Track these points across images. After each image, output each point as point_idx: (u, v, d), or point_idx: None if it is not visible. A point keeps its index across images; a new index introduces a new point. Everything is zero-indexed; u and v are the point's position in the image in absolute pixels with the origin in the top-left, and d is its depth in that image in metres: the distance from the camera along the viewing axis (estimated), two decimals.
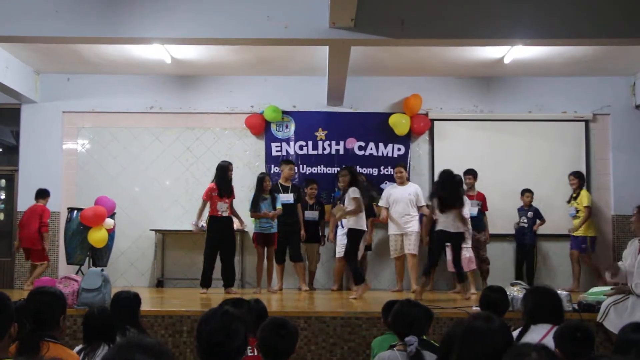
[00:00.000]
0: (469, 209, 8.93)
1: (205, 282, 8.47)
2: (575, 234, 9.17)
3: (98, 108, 10.15)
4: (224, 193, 8.53)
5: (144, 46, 8.51)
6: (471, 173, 9.28)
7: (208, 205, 8.64)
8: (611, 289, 5.75)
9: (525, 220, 9.43)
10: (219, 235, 8.46)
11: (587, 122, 10.06)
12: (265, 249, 8.83)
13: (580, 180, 9.37)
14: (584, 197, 9.20)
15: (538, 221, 9.40)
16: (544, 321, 3.65)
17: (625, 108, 10.02)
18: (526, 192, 9.51)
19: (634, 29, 6.98)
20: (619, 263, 5.67)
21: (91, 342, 3.71)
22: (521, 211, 9.55)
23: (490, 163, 9.70)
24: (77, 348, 3.68)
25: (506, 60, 9.07)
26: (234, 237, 8.76)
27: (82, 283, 6.51)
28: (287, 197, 9.00)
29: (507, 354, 2.19)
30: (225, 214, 8.51)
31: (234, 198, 8.73)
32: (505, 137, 10.07)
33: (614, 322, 5.29)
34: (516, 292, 6.37)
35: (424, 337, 3.62)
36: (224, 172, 8.63)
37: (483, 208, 9.32)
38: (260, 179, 8.79)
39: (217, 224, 8.47)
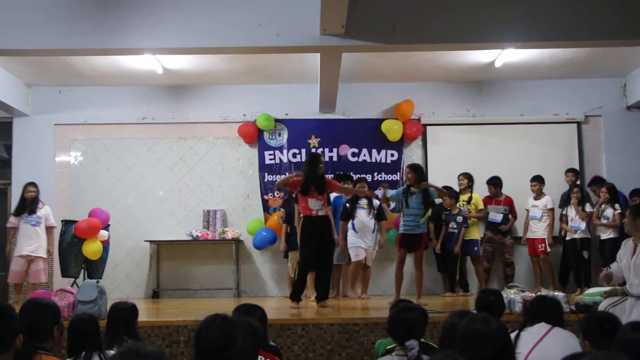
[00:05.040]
0: (494, 215, 9.27)
1: (296, 295, 7.49)
2: (467, 237, 9.06)
3: (90, 120, 10.13)
4: (311, 189, 7.34)
5: (135, 57, 8.50)
6: (491, 183, 9.38)
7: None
8: (604, 292, 5.76)
9: (455, 226, 9.02)
10: (315, 237, 7.35)
11: (579, 124, 10.10)
12: (413, 253, 7.75)
13: (470, 181, 9.33)
14: (479, 200, 9.27)
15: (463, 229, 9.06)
16: (542, 321, 3.71)
17: (616, 109, 10.07)
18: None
19: (624, 30, 7.01)
20: (613, 265, 5.66)
21: (76, 351, 3.67)
22: (450, 216, 9.10)
23: (483, 167, 9.70)
24: None
25: (497, 64, 9.11)
26: (333, 241, 7.69)
27: (77, 295, 6.48)
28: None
29: None
30: (321, 213, 7.38)
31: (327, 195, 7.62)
32: (498, 141, 10.10)
33: None
34: (513, 294, 6.37)
35: (422, 339, 3.61)
36: (313, 165, 7.45)
37: (512, 212, 9.37)
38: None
39: (312, 224, 7.39)
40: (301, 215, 7.57)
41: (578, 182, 9.39)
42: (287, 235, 8.91)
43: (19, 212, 8.69)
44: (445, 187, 8.76)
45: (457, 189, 9.37)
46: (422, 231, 7.60)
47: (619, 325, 3.34)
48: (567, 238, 9.02)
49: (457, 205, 9.15)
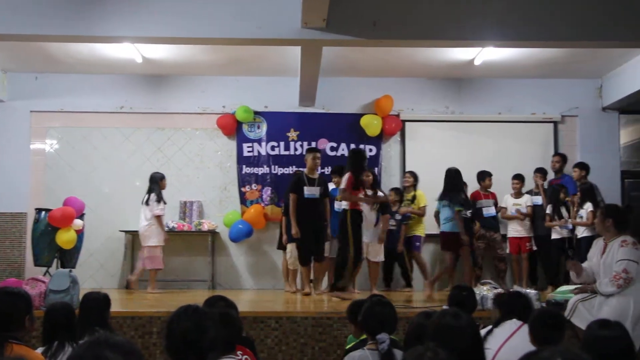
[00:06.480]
0: (488, 209, 9.31)
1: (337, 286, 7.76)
2: (411, 233, 9.21)
3: (67, 107, 10.02)
4: (359, 184, 7.75)
5: (114, 45, 8.41)
6: (486, 175, 9.39)
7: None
8: (575, 288, 5.85)
9: (394, 223, 9.00)
10: (361, 230, 7.78)
11: (555, 123, 10.22)
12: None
13: (415, 179, 9.39)
14: (422, 198, 9.29)
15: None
16: (513, 318, 3.78)
17: (592, 110, 10.19)
18: (390, 191, 9.24)
19: (602, 31, 7.09)
20: (584, 263, 5.74)
21: (51, 341, 3.64)
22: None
23: (460, 164, 9.62)
24: (40, 349, 3.61)
25: (477, 62, 9.17)
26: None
27: (49, 284, 6.43)
28: (312, 191, 8.18)
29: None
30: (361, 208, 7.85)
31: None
32: (476, 138, 10.17)
33: (582, 319, 5.35)
34: (486, 291, 6.44)
35: (392, 336, 3.63)
36: (361, 160, 7.87)
37: (496, 207, 9.46)
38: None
39: (359, 218, 7.76)
40: (348, 208, 7.74)
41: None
42: (286, 227, 8.66)
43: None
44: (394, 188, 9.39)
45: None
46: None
47: (562, 319, 3.57)
48: (555, 237, 8.98)
49: (402, 204, 9.27)
